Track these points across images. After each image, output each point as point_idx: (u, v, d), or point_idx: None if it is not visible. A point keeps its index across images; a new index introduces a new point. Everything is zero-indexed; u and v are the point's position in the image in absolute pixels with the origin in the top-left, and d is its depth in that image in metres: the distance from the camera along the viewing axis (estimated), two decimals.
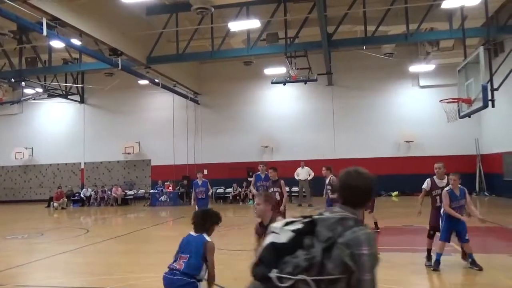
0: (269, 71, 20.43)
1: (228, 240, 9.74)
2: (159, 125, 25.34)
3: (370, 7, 15.93)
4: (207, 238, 3.96)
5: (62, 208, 21.31)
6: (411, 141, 22.16)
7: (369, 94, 22.91)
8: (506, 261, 7.24)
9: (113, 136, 25.54)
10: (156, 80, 20.38)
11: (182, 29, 17.37)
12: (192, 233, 4.01)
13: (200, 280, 3.89)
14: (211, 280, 3.97)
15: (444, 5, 13.71)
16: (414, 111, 22.36)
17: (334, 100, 23.30)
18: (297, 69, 17.46)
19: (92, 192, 23.39)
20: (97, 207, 22.05)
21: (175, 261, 3.92)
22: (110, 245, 10.03)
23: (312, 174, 18.46)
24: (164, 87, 21.45)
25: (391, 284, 5.92)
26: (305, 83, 18.97)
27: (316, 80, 17.97)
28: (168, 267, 3.91)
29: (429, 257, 7.03)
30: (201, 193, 11.32)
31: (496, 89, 12.31)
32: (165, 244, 10.13)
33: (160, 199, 21.24)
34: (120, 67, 16.73)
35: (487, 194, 20.36)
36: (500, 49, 18.22)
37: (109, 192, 23.01)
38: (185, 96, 23.70)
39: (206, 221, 4.01)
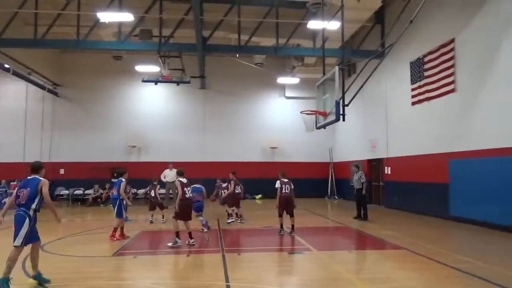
0: (141, 68, 19.58)
1: (79, 246, 8.98)
2: (7, 117, 22.17)
3: (244, 17, 16.58)
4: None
5: None
6: (275, 148, 23.68)
7: (240, 100, 23.78)
8: (346, 257, 8.17)
9: None
10: (6, 66, 17.76)
11: (42, 12, 15.55)
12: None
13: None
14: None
15: (310, 25, 15.22)
16: (280, 119, 23.95)
17: (206, 104, 23.56)
18: (170, 69, 17.13)
19: None
20: None
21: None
22: None
23: None
24: (16, 74, 18.82)
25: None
26: (177, 84, 18.69)
27: (189, 82, 17.84)
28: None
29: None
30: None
31: (347, 105, 13.84)
32: None
33: (3, 202, 18.47)
34: None
35: (337, 197, 22.90)
36: (352, 70, 20.83)
37: None
38: (42, 87, 21.21)
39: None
